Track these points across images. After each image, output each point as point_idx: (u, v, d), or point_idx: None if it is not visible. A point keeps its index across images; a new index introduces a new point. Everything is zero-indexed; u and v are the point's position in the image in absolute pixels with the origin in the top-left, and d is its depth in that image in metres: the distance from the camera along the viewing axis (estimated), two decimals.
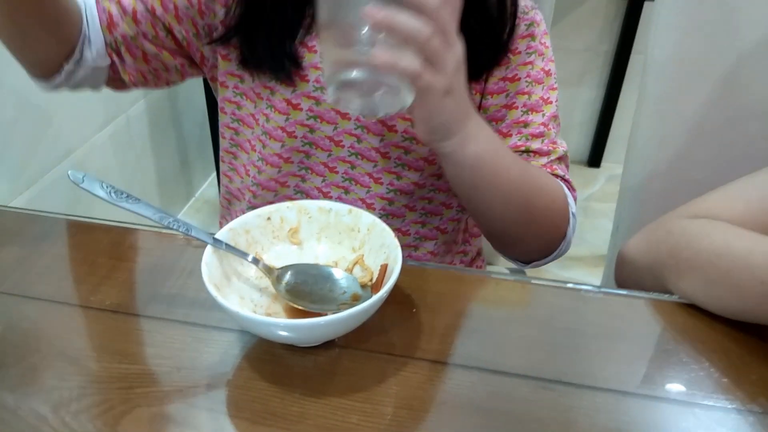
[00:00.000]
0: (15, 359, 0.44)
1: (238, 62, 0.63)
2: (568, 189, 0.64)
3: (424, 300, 0.49)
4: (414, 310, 0.48)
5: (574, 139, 2.09)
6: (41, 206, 0.81)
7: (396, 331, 0.46)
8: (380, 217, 0.47)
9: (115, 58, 0.64)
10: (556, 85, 0.65)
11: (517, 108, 0.63)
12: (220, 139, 0.72)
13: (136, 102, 1.51)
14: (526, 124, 0.63)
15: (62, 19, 0.59)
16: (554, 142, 0.64)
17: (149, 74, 0.66)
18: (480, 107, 0.64)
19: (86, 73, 0.63)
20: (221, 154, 0.73)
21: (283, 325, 0.41)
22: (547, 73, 0.64)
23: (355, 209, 0.49)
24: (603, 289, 0.52)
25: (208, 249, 0.44)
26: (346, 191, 0.66)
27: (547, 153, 0.63)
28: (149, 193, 1.74)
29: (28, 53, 0.61)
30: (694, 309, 0.49)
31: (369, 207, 0.66)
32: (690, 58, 0.74)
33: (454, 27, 0.45)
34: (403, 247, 0.50)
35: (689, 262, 0.48)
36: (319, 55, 0.60)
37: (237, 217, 0.48)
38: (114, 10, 0.62)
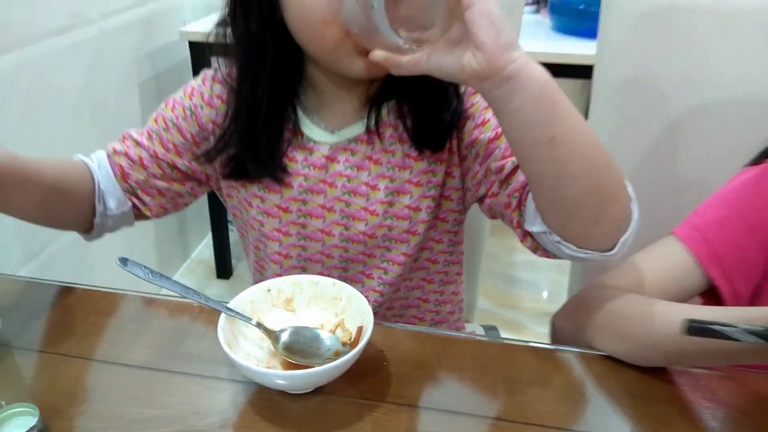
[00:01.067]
0: (63, 406, 0.55)
1: (231, 175, 0.75)
2: None
3: (394, 354, 0.61)
4: (385, 363, 0.59)
5: None
6: (50, 273, 0.90)
7: (370, 381, 0.57)
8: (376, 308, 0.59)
9: (135, 201, 0.77)
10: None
11: (481, 143, 0.68)
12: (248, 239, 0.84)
13: None
14: (490, 152, 0.68)
15: (69, 197, 0.71)
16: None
17: (168, 204, 0.79)
18: (463, 160, 0.72)
19: (115, 219, 0.76)
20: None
21: (280, 375, 0.53)
22: (487, 109, 0.70)
23: (338, 282, 0.61)
24: (543, 345, 0.64)
25: (222, 316, 0.56)
26: (345, 270, 0.78)
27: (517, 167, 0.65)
28: (147, 254, 1.84)
29: (57, 226, 0.74)
30: (611, 359, 0.61)
31: (328, 257, 0.77)
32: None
33: None
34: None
35: (602, 323, 0.61)
36: None
37: None
38: (124, 162, 0.75)
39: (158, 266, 2.01)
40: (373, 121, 0.71)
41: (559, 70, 1.55)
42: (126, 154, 0.75)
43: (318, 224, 0.76)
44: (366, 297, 0.59)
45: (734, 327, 0.46)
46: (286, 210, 0.75)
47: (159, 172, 0.76)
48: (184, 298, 0.58)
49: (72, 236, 0.77)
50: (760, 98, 0.82)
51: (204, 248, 2.14)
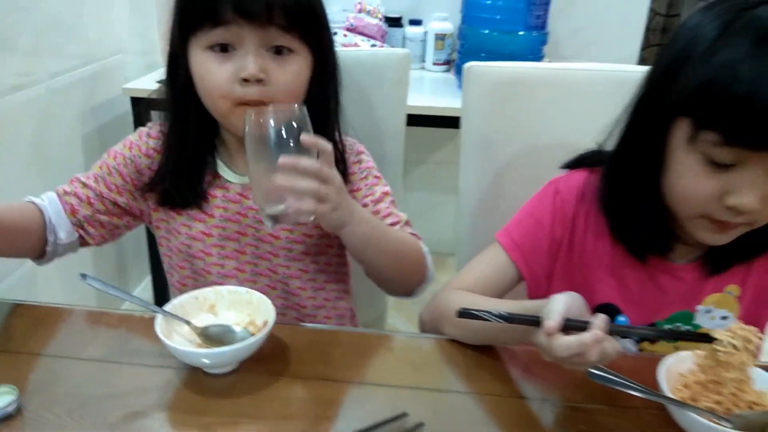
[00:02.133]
0: (36, 388, 0.71)
1: (164, 203, 0.95)
2: (417, 238, 0.96)
3: (294, 344, 0.79)
4: (286, 350, 0.78)
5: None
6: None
7: (275, 362, 0.76)
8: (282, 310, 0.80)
9: (81, 232, 0.94)
10: (386, 184, 0.99)
11: (368, 205, 0.95)
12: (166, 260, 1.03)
13: None
14: (378, 212, 0.95)
15: (21, 236, 0.88)
16: (398, 216, 0.96)
17: (107, 235, 0.97)
18: None
19: (64, 246, 0.93)
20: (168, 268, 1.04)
21: (203, 354, 0.71)
22: (378, 179, 0.99)
23: (250, 290, 0.80)
24: (403, 333, 0.84)
25: (159, 316, 0.73)
26: (254, 282, 0.98)
27: (397, 222, 0.95)
28: (88, 294, 1.94)
29: (13, 256, 0.89)
30: (459, 343, 0.82)
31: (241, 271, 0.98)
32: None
33: (332, 171, 0.76)
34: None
35: (446, 316, 0.82)
36: (252, 194, 0.91)
37: None
38: (73, 200, 0.93)
39: (97, 306, 2.09)
40: None
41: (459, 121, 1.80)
42: (75, 194, 0.94)
43: (234, 245, 0.97)
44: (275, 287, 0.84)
45: (488, 312, 0.69)
46: (209, 235, 0.96)
47: (103, 209, 0.95)
48: (131, 309, 0.76)
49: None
50: (582, 147, 1.07)
51: (143, 291, 2.22)
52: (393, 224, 0.94)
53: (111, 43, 1.93)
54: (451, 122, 1.81)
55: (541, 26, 1.97)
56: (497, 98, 1.08)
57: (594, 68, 1.09)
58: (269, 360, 0.77)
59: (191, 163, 0.92)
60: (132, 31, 1.99)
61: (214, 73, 0.83)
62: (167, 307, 0.76)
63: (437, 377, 0.77)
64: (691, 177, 0.72)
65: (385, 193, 0.97)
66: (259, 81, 0.82)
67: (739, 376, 0.67)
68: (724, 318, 0.85)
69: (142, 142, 0.96)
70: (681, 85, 0.71)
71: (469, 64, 1.07)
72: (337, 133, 0.95)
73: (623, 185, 0.81)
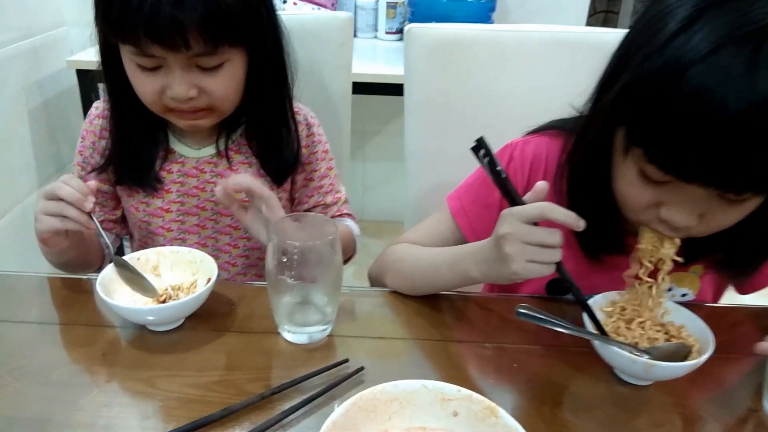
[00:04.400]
0: None
1: (117, 184, 0.96)
2: (351, 219, 1.00)
3: (240, 301, 0.81)
4: (232, 307, 0.80)
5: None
6: None
7: (219, 318, 0.78)
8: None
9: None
10: (332, 158, 1.02)
11: (312, 180, 0.98)
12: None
13: (30, 193, 1.73)
14: (321, 187, 1.00)
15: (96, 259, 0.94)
16: (339, 192, 1.01)
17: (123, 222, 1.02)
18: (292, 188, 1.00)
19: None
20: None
21: (147, 310, 0.72)
22: (326, 152, 1.01)
23: (192, 250, 0.81)
24: (355, 288, 0.87)
25: (99, 278, 0.74)
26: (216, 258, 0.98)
27: (336, 201, 1.00)
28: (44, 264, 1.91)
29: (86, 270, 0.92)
30: (401, 295, 0.84)
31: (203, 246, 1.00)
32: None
33: None
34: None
35: (388, 267, 0.84)
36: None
37: None
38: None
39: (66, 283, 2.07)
40: (222, 146, 0.94)
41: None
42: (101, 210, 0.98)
43: (194, 220, 0.97)
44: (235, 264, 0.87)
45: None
46: (168, 210, 0.96)
47: (105, 206, 0.98)
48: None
49: None
50: (519, 105, 1.11)
51: None
52: (333, 203, 1.01)
53: (53, 14, 1.88)
54: (397, 90, 1.84)
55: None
56: (438, 60, 1.10)
57: (531, 29, 1.11)
58: (214, 316, 0.78)
59: (138, 145, 0.91)
60: (75, 2, 1.94)
61: (143, 85, 0.83)
62: (107, 269, 0.77)
63: (379, 327, 0.79)
64: (626, 183, 0.67)
65: (330, 168, 1.00)
66: (190, 99, 0.82)
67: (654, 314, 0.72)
68: (684, 295, 0.85)
69: (95, 126, 0.96)
70: (619, 84, 0.62)
71: (409, 26, 1.08)
72: (289, 114, 0.95)
73: (579, 174, 0.74)
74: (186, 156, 0.94)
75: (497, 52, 1.10)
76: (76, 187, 0.76)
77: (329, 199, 1.00)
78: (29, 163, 1.72)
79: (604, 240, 0.76)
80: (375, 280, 0.90)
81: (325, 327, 0.75)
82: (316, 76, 1.15)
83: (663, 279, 0.71)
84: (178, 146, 0.94)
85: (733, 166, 0.56)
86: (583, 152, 0.73)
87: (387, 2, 2.16)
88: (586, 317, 0.71)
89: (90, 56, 1.79)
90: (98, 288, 0.72)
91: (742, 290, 0.87)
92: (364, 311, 0.82)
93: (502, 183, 0.67)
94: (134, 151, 0.91)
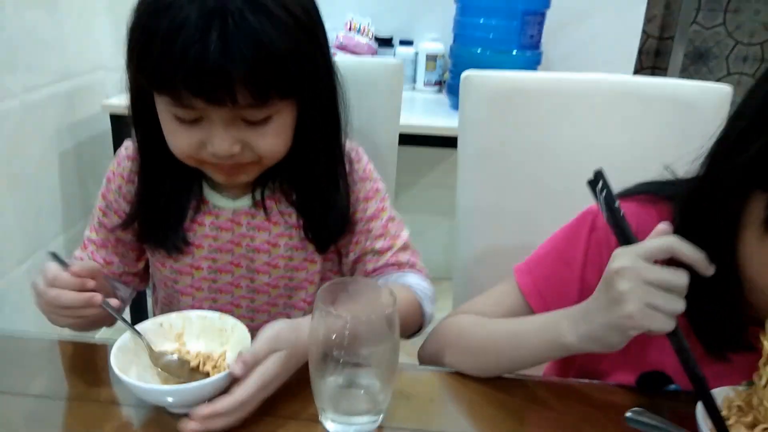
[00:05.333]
0: None
1: (139, 242, 0.86)
2: (417, 271, 0.84)
3: None
4: None
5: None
6: None
7: None
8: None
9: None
10: (386, 197, 0.86)
11: (357, 223, 0.84)
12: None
13: (55, 237, 1.67)
14: (369, 231, 0.84)
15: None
16: (394, 237, 0.84)
17: (144, 275, 0.92)
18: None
19: (126, 300, 0.90)
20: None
21: (167, 391, 0.61)
22: (377, 191, 0.86)
23: (223, 315, 0.70)
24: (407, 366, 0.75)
25: (115, 346, 0.64)
26: (252, 320, 0.87)
27: (390, 247, 0.84)
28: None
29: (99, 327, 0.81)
30: (461, 375, 0.72)
31: (237, 307, 0.88)
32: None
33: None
34: None
35: (449, 342, 0.72)
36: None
37: None
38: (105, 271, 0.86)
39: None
40: (259, 196, 0.83)
41: (452, 141, 1.74)
42: (93, 259, 0.87)
43: (227, 278, 0.85)
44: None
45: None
46: (198, 268, 0.85)
47: (120, 258, 0.88)
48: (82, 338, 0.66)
49: None
50: (586, 161, 1.00)
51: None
52: (385, 249, 0.84)
53: (91, 58, 1.86)
54: (442, 142, 1.77)
55: (534, 45, 1.93)
56: (496, 109, 1.00)
57: (596, 78, 1.02)
58: None
59: (168, 199, 0.81)
60: (113, 46, 1.92)
61: (178, 137, 0.72)
62: (122, 338, 0.66)
63: (439, 416, 0.67)
64: (764, 261, 0.56)
65: (382, 210, 0.85)
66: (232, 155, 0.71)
67: None
68: None
69: (123, 168, 0.85)
70: (756, 145, 0.54)
71: (467, 73, 0.99)
72: (339, 172, 0.82)
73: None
74: (221, 207, 0.83)
75: (561, 102, 1.01)
76: (71, 284, 0.66)
77: (380, 245, 0.84)
78: (56, 206, 1.67)
79: (722, 330, 0.63)
80: (429, 358, 0.78)
81: (375, 418, 0.62)
82: (363, 124, 1.06)
83: None
84: (212, 196, 0.84)
85: None
86: (699, 224, 0.61)
87: (426, 54, 2.11)
88: (700, 416, 0.58)
89: (125, 101, 1.79)
90: (112, 361, 0.61)
91: None
92: (419, 397, 0.70)
93: (618, 223, 0.58)
94: (164, 206, 0.81)
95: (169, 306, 0.90)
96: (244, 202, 0.84)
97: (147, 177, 0.80)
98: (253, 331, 0.69)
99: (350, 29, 2.03)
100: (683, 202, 0.64)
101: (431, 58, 2.12)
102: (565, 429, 0.65)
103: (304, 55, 0.68)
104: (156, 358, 0.66)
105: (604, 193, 0.58)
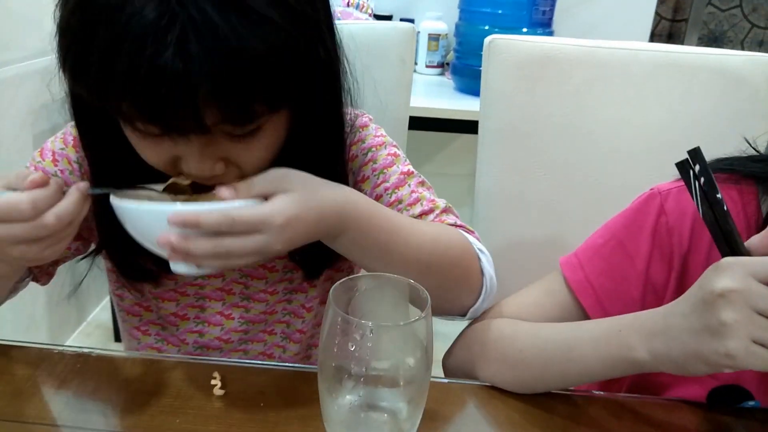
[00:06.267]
0: None
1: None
2: (466, 231, 0.66)
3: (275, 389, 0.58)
4: (262, 404, 0.56)
5: None
6: None
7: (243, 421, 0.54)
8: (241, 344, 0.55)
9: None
10: (407, 162, 0.70)
11: (382, 195, 0.68)
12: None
13: None
14: (399, 201, 0.67)
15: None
16: (432, 200, 0.67)
17: (53, 269, 0.72)
18: None
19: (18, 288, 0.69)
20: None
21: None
22: (395, 155, 0.69)
23: None
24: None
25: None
26: (201, 335, 0.73)
27: (431, 210, 0.66)
28: (38, 316, 1.70)
29: None
30: (494, 389, 0.60)
31: (227, 342, 0.74)
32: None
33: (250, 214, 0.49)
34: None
35: (483, 350, 0.61)
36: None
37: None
38: None
39: (50, 330, 1.87)
40: None
41: (459, 125, 1.62)
42: None
43: (217, 306, 0.72)
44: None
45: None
46: (183, 294, 0.71)
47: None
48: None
49: None
50: (624, 140, 0.89)
51: (101, 311, 2.01)
52: (424, 213, 0.66)
53: None
54: (447, 126, 1.65)
55: (546, 24, 1.82)
56: (524, 80, 0.89)
57: (636, 47, 0.90)
58: (236, 418, 0.55)
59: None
60: None
61: (145, 152, 0.55)
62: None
63: None
64: None
65: (407, 174, 0.69)
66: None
67: None
68: None
69: (70, 150, 0.67)
70: None
71: (492, 37, 0.88)
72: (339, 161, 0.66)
73: None
74: None
75: (596, 74, 0.89)
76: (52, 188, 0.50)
77: (418, 209, 0.66)
78: None
79: None
80: (457, 370, 0.66)
81: None
82: (367, 99, 0.93)
83: None
84: None
85: None
86: None
87: (429, 33, 1.99)
88: None
89: None
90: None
91: None
92: (448, 415, 0.58)
93: (720, 219, 0.45)
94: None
95: (148, 321, 0.76)
96: None
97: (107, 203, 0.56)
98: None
99: (348, 5, 1.91)
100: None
101: (434, 38, 2.01)
102: None
103: (298, 53, 0.51)
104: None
105: (701, 180, 0.46)
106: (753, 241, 0.45)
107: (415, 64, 2.04)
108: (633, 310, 0.56)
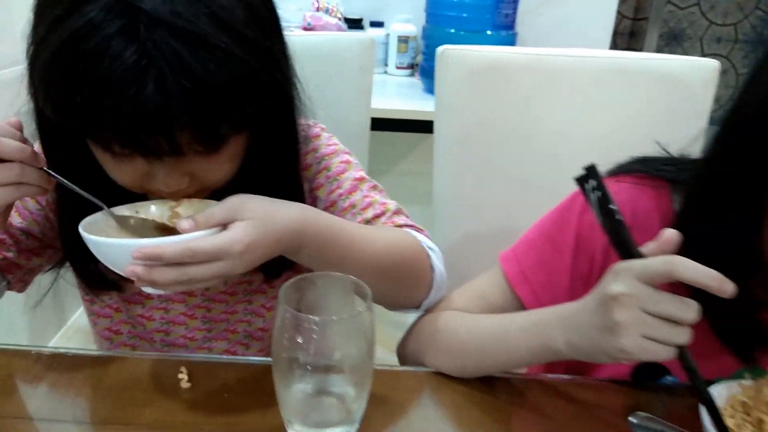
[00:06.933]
0: None
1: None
2: (417, 230, 0.71)
3: (236, 382, 0.63)
4: (226, 394, 0.61)
5: None
6: None
7: (205, 410, 0.59)
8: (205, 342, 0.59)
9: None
10: (360, 168, 0.75)
11: (336, 201, 0.73)
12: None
13: None
14: (353, 205, 0.72)
15: None
16: (383, 203, 0.72)
17: (28, 277, 0.77)
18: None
19: None
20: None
21: (145, 243, 0.52)
22: (347, 162, 0.75)
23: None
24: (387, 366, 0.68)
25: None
26: (167, 333, 0.78)
27: (382, 213, 0.71)
28: (17, 321, 1.72)
29: None
30: (441, 375, 0.66)
31: (192, 340, 0.79)
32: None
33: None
34: None
35: (430, 341, 0.66)
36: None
37: None
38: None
39: (31, 334, 1.89)
40: None
41: (425, 125, 1.67)
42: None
43: (180, 308, 0.77)
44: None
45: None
46: (148, 297, 0.76)
47: (14, 247, 0.71)
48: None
49: None
50: (571, 143, 0.95)
51: (81, 315, 2.02)
52: (376, 216, 0.71)
53: None
54: (416, 127, 1.71)
55: (509, 25, 1.87)
56: (476, 88, 0.94)
57: (580, 54, 0.96)
58: (200, 406, 0.60)
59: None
60: None
61: (115, 172, 0.60)
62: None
63: (420, 421, 0.61)
64: None
65: (359, 179, 0.74)
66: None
67: None
68: None
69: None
70: None
71: (444, 48, 0.93)
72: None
73: (705, 237, 0.54)
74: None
75: (543, 80, 0.95)
76: (16, 135, 0.56)
77: (371, 213, 0.71)
78: None
79: (751, 329, 0.57)
80: (409, 358, 0.71)
81: (348, 428, 0.56)
82: (332, 105, 0.98)
83: None
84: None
85: None
86: (712, 209, 0.56)
87: (398, 36, 2.04)
88: (705, 419, 0.52)
89: None
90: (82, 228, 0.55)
91: None
92: (398, 400, 0.63)
93: (614, 227, 0.50)
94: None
95: (114, 332, 0.80)
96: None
97: (70, 216, 0.63)
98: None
99: (318, 9, 1.95)
100: (690, 187, 0.58)
101: (403, 40, 2.05)
102: (555, 427, 0.60)
103: (257, 82, 0.56)
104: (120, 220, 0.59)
105: (597, 194, 0.51)
106: (649, 246, 0.50)
107: (386, 65, 2.09)
108: (563, 298, 0.63)
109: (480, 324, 0.65)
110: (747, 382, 0.57)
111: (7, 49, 1.54)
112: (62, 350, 0.67)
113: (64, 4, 0.52)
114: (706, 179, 0.57)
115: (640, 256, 0.50)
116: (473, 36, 1.82)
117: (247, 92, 0.55)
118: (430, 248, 0.70)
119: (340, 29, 1.95)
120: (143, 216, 0.62)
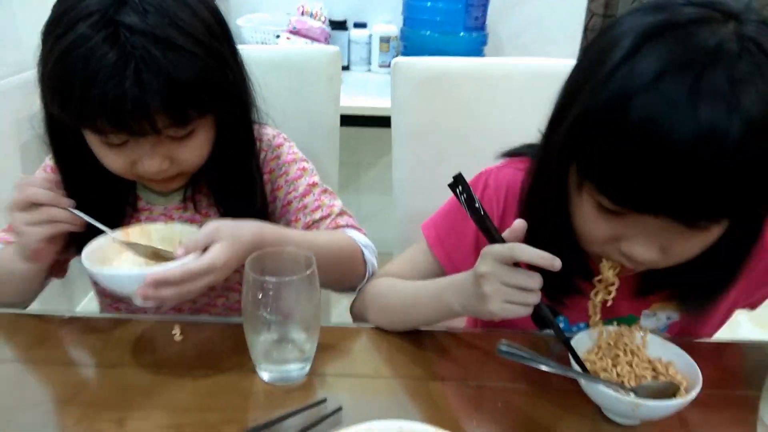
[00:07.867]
0: None
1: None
2: (355, 229, 0.90)
3: (215, 337, 0.79)
4: (208, 345, 0.78)
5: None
6: None
7: (193, 358, 0.76)
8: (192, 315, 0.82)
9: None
10: (315, 174, 0.93)
11: (292, 202, 0.91)
12: None
13: None
14: (305, 207, 0.91)
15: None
16: (330, 206, 0.90)
17: (65, 265, 0.94)
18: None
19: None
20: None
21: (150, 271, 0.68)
22: (303, 170, 0.92)
23: (169, 223, 0.83)
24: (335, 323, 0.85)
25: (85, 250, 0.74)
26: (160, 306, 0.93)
27: (328, 215, 0.90)
28: (29, 309, 1.87)
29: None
30: (382, 330, 0.83)
31: (180, 311, 0.95)
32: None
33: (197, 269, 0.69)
34: None
35: (370, 302, 0.83)
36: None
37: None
38: None
39: (39, 321, 2.02)
40: (190, 191, 0.90)
41: None
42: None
43: None
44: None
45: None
46: None
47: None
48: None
49: None
50: (508, 140, 1.10)
51: (90, 301, 2.15)
52: (323, 218, 0.90)
53: None
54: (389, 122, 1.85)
55: (479, 27, 2.02)
56: (425, 93, 1.10)
57: (519, 62, 1.12)
58: (188, 355, 0.77)
59: (102, 208, 0.82)
60: None
61: (110, 160, 0.78)
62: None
63: (360, 364, 0.78)
64: (584, 218, 0.66)
65: (312, 185, 0.92)
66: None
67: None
68: (668, 318, 0.83)
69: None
70: (569, 120, 0.61)
71: (396, 59, 1.09)
72: (254, 170, 0.89)
73: (538, 210, 0.71)
74: (153, 203, 0.90)
75: (485, 86, 1.11)
76: (45, 185, 0.75)
77: (318, 215, 0.90)
78: None
79: (568, 277, 0.73)
80: (358, 316, 0.88)
81: (303, 365, 0.73)
82: (304, 109, 1.15)
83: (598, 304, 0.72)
84: (145, 194, 0.91)
85: (683, 195, 0.55)
86: (540, 188, 0.71)
87: (380, 37, 2.18)
88: (573, 360, 0.69)
89: None
90: (84, 258, 0.72)
91: (695, 332, 0.84)
92: (345, 348, 0.80)
93: (480, 220, 0.66)
94: (98, 213, 0.80)
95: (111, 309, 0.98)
96: (175, 198, 0.91)
97: (74, 191, 0.81)
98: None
99: (303, 13, 2.09)
100: (530, 168, 0.74)
101: (384, 40, 2.18)
102: (466, 370, 0.76)
103: (214, 76, 0.75)
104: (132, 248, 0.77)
105: (464, 196, 0.66)
106: (506, 233, 0.66)
107: (369, 64, 2.24)
108: (471, 258, 0.78)
109: (402, 289, 0.82)
110: (612, 328, 0.73)
111: (14, 58, 1.68)
112: (80, 314, 0.84)
113: (62, 25, 0.70)
114: (536, 163, 0.72)
115: (501, 240, 0.66)
116: (446, 38, 1.97)
117: (206, 83, 0.73)
118: (364, 245, 0.88)
119: (324, 32, 2.10)
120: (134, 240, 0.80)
